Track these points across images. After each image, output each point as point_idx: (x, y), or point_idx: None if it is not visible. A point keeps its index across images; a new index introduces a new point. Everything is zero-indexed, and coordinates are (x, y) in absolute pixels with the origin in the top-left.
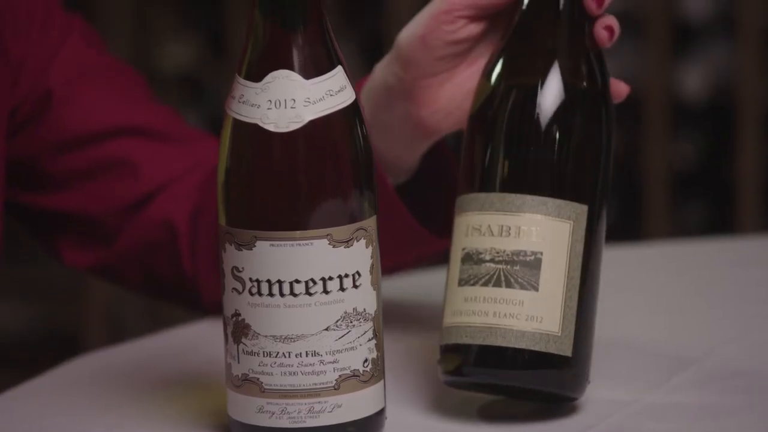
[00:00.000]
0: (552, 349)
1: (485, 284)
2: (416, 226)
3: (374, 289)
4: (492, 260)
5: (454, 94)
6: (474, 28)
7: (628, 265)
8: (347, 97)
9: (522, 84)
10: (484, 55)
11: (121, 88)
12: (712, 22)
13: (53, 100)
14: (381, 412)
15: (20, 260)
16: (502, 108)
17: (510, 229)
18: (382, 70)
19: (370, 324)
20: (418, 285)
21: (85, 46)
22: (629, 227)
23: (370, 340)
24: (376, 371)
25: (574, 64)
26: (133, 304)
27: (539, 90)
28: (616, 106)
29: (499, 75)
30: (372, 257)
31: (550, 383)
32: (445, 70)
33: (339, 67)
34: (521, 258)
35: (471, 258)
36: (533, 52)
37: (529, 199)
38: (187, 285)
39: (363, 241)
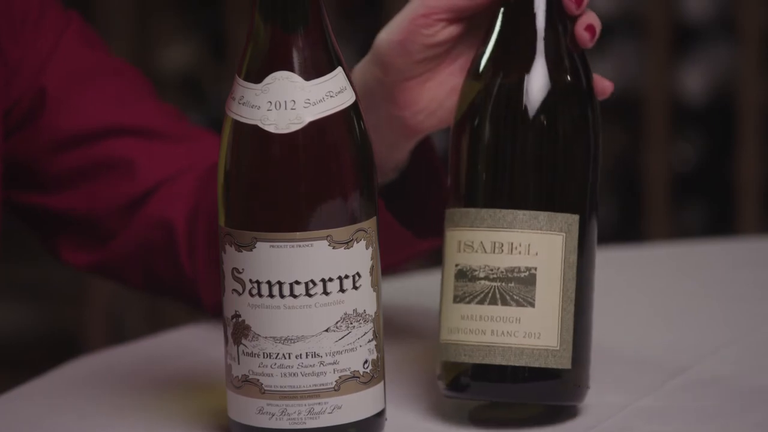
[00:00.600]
0: (551, 363)
1: (481, 302)
2: (397, 227)
3: (374, 291)
4: (486, 278)
5: (436, 93)
6: (453, 30)
7: (628, 267)
8: (347, 98)
9: (504, 89)
10: (464, 53)
11: (117, 87)
12: (712, 23)
13: (47, 100)
14: (381, 414)
15: (20, 261)
16: (486, 115)
17: (503, 245)
18: (361, 71)
19: (370, 325)
20: (419, 286)
21: (82, 44)
22: (629, 228)
23: (370, 341)
24: (376, 372)
25: (558, 65)
26: (133, 305)
27: (523, 95)
28: (617, 108)
29: (481, 83)
30: (372, 258)
31: (552, 396)
32: (426, 71)
33: (339, 68)
34: (515, 274)
35: (465, 275)
36: (515, 56)
37: (520, 214)
38: (186, 284)
39: (363, 243)
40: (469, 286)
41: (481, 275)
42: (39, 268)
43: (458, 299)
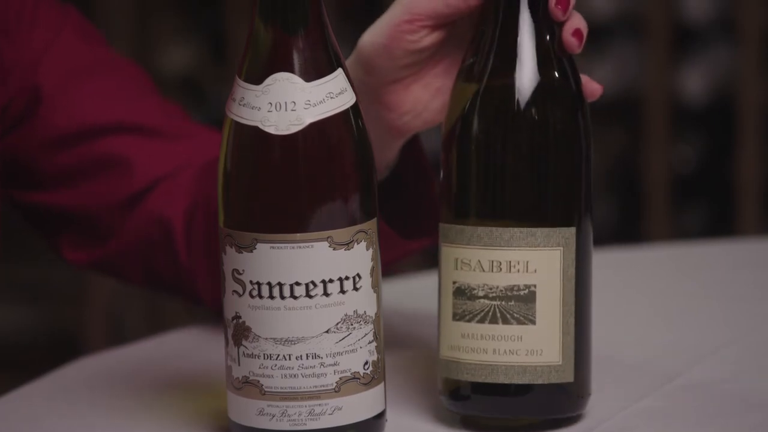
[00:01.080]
0: (555, 379)
1: (481, 321)
2: (385, 228)
3: (374, 292)
4: (485, 296)
5: (421, 95)
6: (437, 36)
7: (628, 268)
8: (348, 99)
9: (493, 98)
10: (449, 54)
11: (115, 84)
12: (712, 24)
13: (43, 98)
14: (381, 415)
15: (20, 261)
16: (476, 125)
17: (501, 264)
18: None
19: (370, 326)
20: (418, 288)
21: (79, 40)
22: (629, 229)
23: (370, 342)
24: (377, 374)
25: (547, 70)
26: (133, 306)
27: (512, 101)
28: (617, 109)
29: (469, 91)
30: (372, 260)
31: (556, 409)
32: (410, 74)
33: (339, 70)
34: (515, 293)
35: (463, 293)
36: (502, 63)
37: (516, 231)
38: (185, 280)
39: (363, 244)
40: (468, 304)
41: (480, 294)
42: (39, 268)
43: (458, 317)
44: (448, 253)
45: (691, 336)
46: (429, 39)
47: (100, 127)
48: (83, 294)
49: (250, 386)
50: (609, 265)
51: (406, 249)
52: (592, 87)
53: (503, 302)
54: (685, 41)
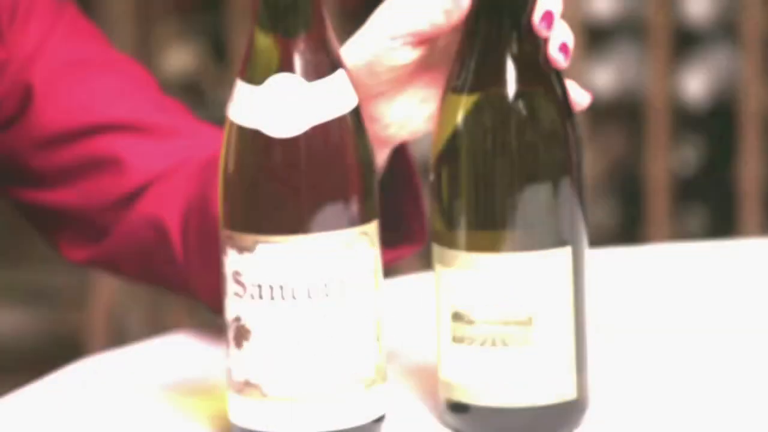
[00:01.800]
0: (557, 399)
1: (481, 345)
2: None
3: (376, 293)
4: (485, 322)
5: (405, 106)
6: (420, 51)
7: (630, 269)
8: (349, 101)
9: (483, 122)
10: (433, 65)
11: (110, 82)
12: (713, 27)
13: (34, 97)
14: (382, 417)
15: (23, 265)
16: (466, 148)
17: (498, 289)
18: None
19: (371, 328)
20: (420, 288)
21: (74, 38)
22: (631, 233)
23: (371, 344)
24: (378, 376)
25: (533, 84)
26: (134, 309)
27: (500, 123)
28: (618, 112)
29: (456, 115)
30: (374, 261)
31: (558, 426)
32: (393, 88)
33: (340, 72)
34: (514, 318)
35: (462, 318)
36: (487, 80)
37: (512, 257)
38: (182, 277)
39: (364, 245)
40: (467, 329)
41: (479, 319)
42: (41, 273)
43: (457, 340)
44: (445, 276)
45: (694, 338)
46: (411, 55)
47: (93, 125)
48: (86, 299)
49: (251, 388)
50: (609, 267)
51: (395, 255)
52: (580, 95)
53: (502, 327)
54: (686, 44)
